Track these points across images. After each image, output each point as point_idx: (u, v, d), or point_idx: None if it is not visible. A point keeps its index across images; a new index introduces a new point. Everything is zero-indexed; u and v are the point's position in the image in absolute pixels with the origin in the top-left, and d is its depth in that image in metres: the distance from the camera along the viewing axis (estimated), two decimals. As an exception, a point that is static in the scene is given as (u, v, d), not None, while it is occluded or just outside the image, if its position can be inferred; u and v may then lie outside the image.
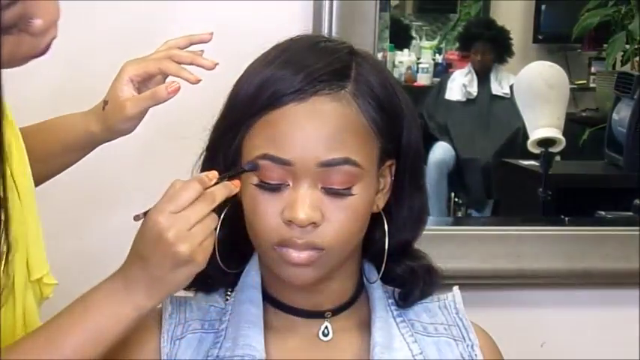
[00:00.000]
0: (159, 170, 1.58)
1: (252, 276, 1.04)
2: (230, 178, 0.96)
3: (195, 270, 0.92)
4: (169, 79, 1.27)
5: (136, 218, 0.93)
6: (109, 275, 0.95)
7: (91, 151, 1.34)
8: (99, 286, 0.95)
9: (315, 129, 0.94)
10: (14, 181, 1.11)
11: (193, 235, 0.90)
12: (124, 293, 0.93)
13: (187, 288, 0.99)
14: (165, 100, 1.24)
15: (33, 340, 0.95)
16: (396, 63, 3.86)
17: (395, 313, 1.06)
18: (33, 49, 0.99)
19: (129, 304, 0.93)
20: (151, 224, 0.90)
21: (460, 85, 3.59)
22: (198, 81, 1.23)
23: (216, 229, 0.93)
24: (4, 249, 1.02)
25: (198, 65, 1.25)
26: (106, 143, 1.34)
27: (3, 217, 0.95)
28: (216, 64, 1.25)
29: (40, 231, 1.15)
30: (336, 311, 1.03)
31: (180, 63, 1.26)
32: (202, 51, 1.29)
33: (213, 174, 0.94)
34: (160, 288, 0.93)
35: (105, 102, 1.28)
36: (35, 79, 1.36)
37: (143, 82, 1.28)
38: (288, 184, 0.95)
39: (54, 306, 1.04)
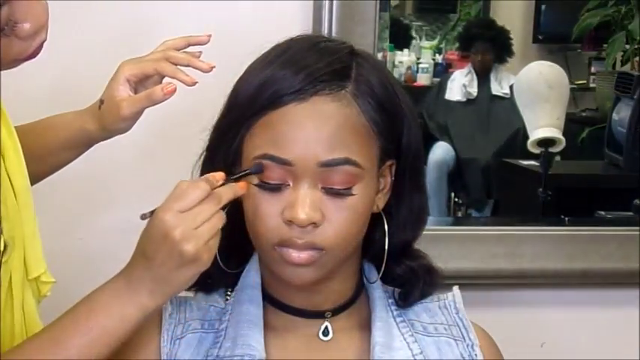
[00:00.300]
0: (158, 170, 1.59)
1: (252, 276, 1.04)
2: (237, 180, 0.95)
3: (201, 269, 0.92)
4: (166, 79, 1.27)
5: (143, 217, 0.92)
6: (114, 275, 0.95)
7: (87, 149, 1.34)
8: (103, 287, 0.95)
9: (315, 129, 0.94)
10: (10, 180, 1.11)
11: (199, 234, 0.90)
12: (129, 293, 0.92)
13: (187, 288, 0.99)
14: (161, 101, 1.24)
15: (37, 341, 0.95)
16: (396, 63, 3.86)
17: (395, 313, 1.05)
18: (22, 52, 1.00)
19: (133, 304, 0.92)
20: (157, 222, 0.90)
21: (460, 85, 3.58)
22: (194, 83, 1.22)
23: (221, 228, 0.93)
24: (2, 247, 1.02)
25: (194, 67, 1.25)
26: (106, 142, 1.34)
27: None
28: (213, 66, 1.24)
29: (37, 229, 1.15)
30: (336, 311, 1.03)
31: (176, 64, 1.25)
32: (200, 52, 1.28)
33: (221, 175, 0.94)
34: (165, 288, 0.92)
35: (101, 101, 1.28)
36: (31, 78, 1.35)
37: (140, 82, 1.27)
38: (289, 184, 0.95)
39: (53, 305, 1.04)
